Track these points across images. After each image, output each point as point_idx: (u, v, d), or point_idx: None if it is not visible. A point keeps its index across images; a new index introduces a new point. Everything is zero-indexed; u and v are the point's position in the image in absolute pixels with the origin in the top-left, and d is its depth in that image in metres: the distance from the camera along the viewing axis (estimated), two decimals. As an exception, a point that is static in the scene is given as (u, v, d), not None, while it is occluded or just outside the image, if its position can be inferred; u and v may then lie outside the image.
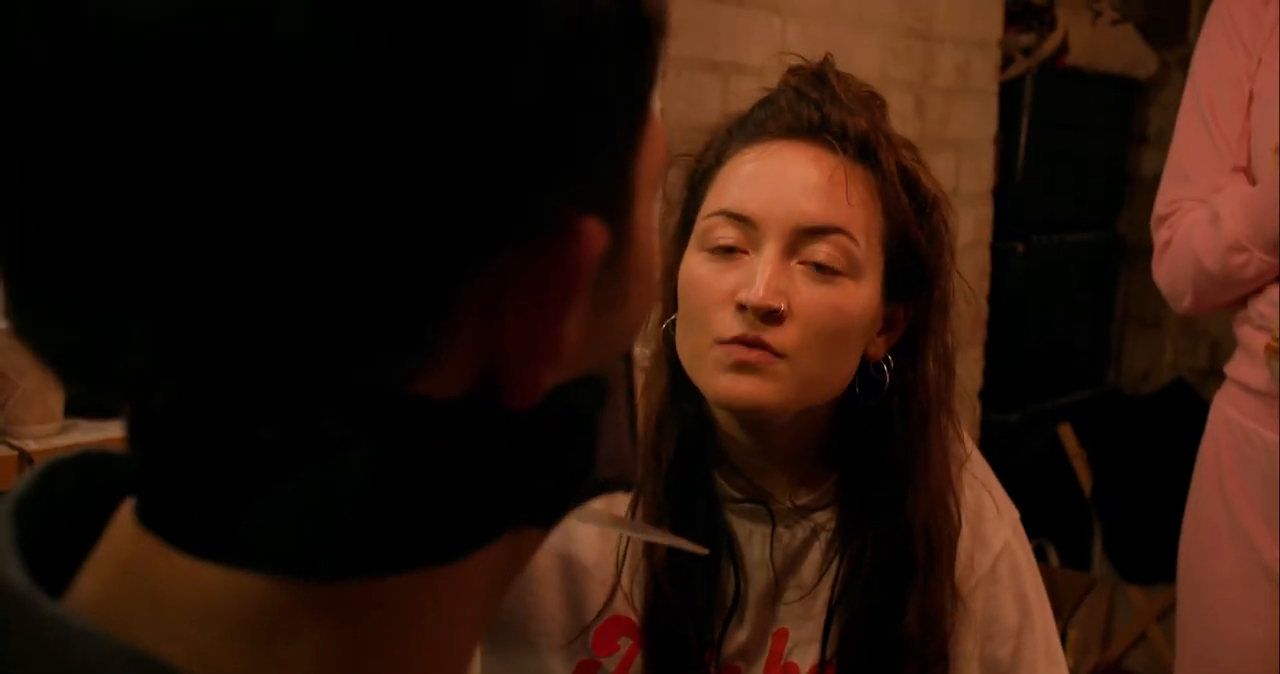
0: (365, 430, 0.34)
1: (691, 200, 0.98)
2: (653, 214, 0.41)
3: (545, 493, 0.39)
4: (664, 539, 0.85)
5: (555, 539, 0.96)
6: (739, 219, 0.92)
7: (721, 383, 0.91)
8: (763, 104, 0.98)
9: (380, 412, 0.34)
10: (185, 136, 0.29)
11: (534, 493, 0.39)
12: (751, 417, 0.94)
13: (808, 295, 0.90)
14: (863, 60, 2.13)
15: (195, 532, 0.34)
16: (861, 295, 0.93)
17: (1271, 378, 1.41)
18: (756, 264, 0.91)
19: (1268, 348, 1.41)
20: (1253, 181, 1.46)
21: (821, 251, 0.91)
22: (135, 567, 0.35)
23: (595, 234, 0.35)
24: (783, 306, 0.89)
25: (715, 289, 0.92)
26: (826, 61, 0.99)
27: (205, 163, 0.30)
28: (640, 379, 1.01)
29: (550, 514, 0.40)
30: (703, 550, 0.87)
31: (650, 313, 0.42)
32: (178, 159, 0.30)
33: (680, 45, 1.74)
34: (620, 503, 0.98)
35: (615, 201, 0.37)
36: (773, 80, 0.99)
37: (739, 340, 0.90)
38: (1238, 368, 1.52)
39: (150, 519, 0.35)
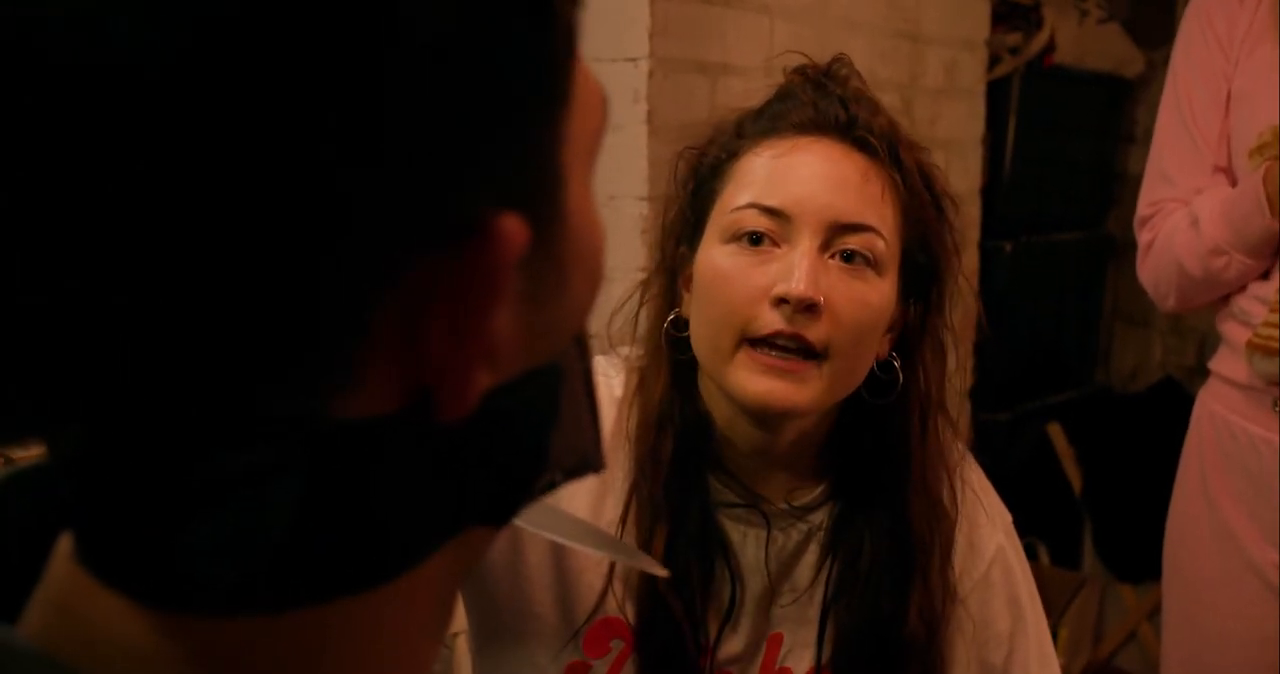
0: (293, 459, 0.33)
1: (700, 193, 0.97)
2: (589, 188, 0.39)
3: (492, 494, 0.38)
4: (620, 556, 0.84)
5: (548, 539, 0.96)
6: (772, 212, 0.92)
7: (755, 385, 0.90)
8: (781, 98, 0.98)
9: (307, 439, 0.33)
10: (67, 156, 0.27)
11: (479, 497, 0.38)
12: (781, 418, 0.93)
13: (842, 290, 0.91)
14: (851, 60, 2.13)
15: (127, 571, 0.33)
16: (886, 292, 0.93)
17: (1254, 372, 1.42)
18: (792, 257, 0.90)
19: (1249, 343, 1.42)
20: (1233, 182, 1.47)
21: (854, 247, 0.91)
22: (73, 607, 0.34)
23: (513, 231, 0.33)
24: (821, 300, 0.89)
25: (748, 283, 0.91)
26: (841, 60, 0.99)
27: (98, 185, 0.27)
28: (633, 379, 1.01)
29: (500, 515, 0.39)
30: (663, 571, 0.87)
31: (596, 295, 0.40)
32: (60, 187, 0.27)
33: (668, 46, 1.74)
34: (612, 506, 0.97)
35: (537, 189, 0.35)
36: (762, 81, 0.99)
37: (778, 335, 0.89)
38: (1222, 363, 1.52)
39: (84, 556, 0.34)
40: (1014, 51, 2.86)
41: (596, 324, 1.19)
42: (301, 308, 0.30)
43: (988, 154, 2.66)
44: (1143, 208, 1.58)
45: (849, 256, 0.91)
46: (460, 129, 0.31)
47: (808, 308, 0.88)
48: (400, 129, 0.30)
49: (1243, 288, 1.48)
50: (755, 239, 0.92)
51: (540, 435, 0.39)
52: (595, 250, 0.40)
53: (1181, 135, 1.52)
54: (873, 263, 0.92)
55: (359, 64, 0.29)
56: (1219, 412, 1.52)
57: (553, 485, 0.41)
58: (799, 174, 0.92)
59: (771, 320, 0.89)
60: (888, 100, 1.03)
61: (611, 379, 1.02)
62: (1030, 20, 2.93)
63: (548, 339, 0.38)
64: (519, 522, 0.43)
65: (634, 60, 1.71)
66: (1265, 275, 1.45)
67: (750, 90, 1.01)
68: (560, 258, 0.37)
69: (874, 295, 0.92)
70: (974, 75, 2.54)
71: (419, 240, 0.32)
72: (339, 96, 0.29)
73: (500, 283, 0.33)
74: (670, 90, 1.74)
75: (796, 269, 0.89)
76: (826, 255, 0.91)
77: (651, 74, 1.70)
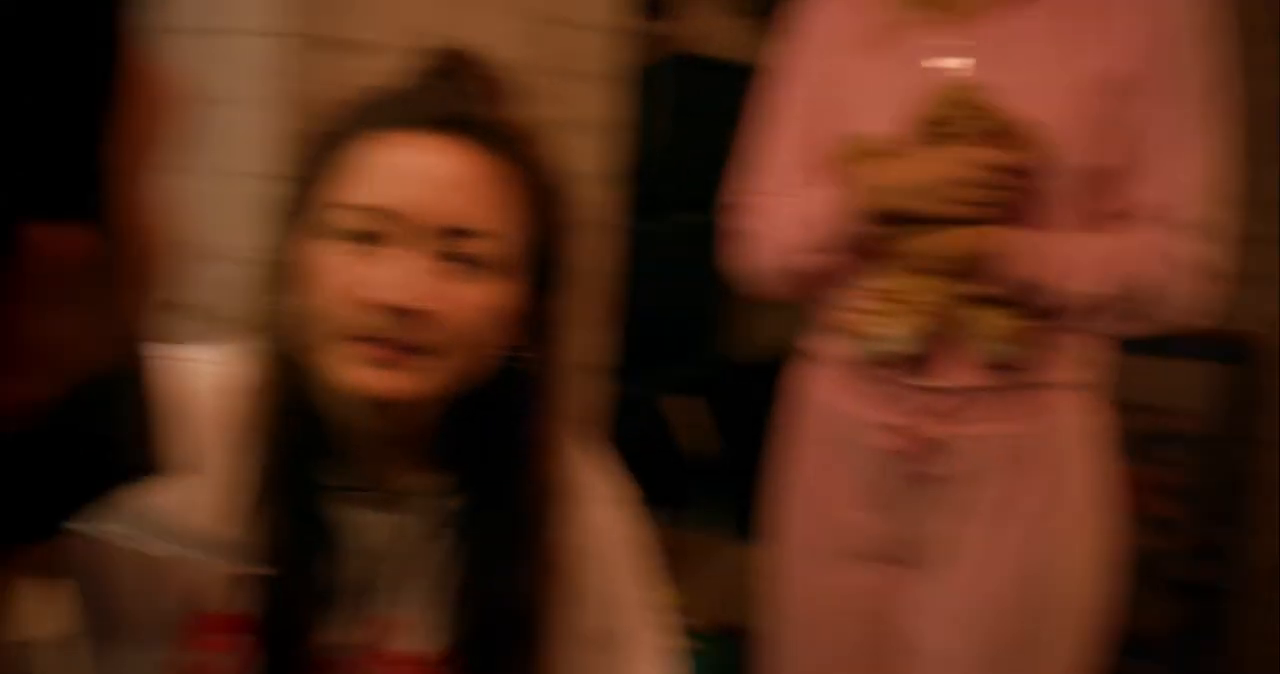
0: None
1: (314, 183, 0.95)
2: (148, 188, 0.39)
3: (42, 508, 0.38)
4: (221, 553, 0.84)
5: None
6: (381, 212, 0.90)
7: (357, 377, 0.91)
8: (404, 88, 0.97)
9: None
10: None
11: (27, 511, 0.37)
12: (388, 409, 0.94)
13: (450, 294, 0.91)
14: (497, 43, 2.13)
15: None
16: (503, 292, 0.94)
17: (850, 350, 1.53)
18: (400, 261, 0.90)
19: (844, 325, 1.53)
20: (827, 181, 1.58)
21: (467, 250, 0.92)
22: None
23: (47, 241, 0.32)
24: (423, 306, 0.89)
25: (352, 284, 0.90)
26: (462, 49, 0.99)
27: None
28: (248, 366, 0.99)
29: (48, 529, 0.39)
30: (265, 568, 0.86)
31: (157, 296, 0.40)
32: None
33: (299, 21, 1.70)
34: (225, 498, 0.95)
35: (79, 193, 0.34)
36: (397, 61, 0.98)
37: (377, 338, 0.89)
38: (811, 341, 1.65)
39: None
40: (656, 38, 2.97)
41: (219, 306, 1.16)
42: None
43: (631, 138, 2.74)
44: (738, 194, 1.67)
45: (460, 259, 0.91)
46: None
47: (410, 314, 0.89)
48: None
49: (834, 279, 1.60)
50: (363, 237, 0.91)
51: (99, 443, 0.39)
52: (152, 250, 0.39)
53: (783, 132, 1.62)
54: (485, 265, 0.92)
55: None
56: (814, 381, 1.63)
57: (113, 488, 0.40)
58: (411, 173, 0.91)
59: (373, 323, 0.90)
60: (529, 84, 1.05)
61: (219, 367, 1.00)
62: (674, 9, 3.04)
63: (103, 342, 0.38)
64: (110, 530, 0.42)
65: (262, 35, 1.66)
66: (856, 270, 1.57)
67: (384, 69, 1.00)
68: (111, 261, 0.36)
69: (485, 298, 0.93)
70: (617, 60, 2.61)
71: None
72: None
73: (37, 290, 0.33)
74: (300, 66, 1.70)
75: (399, 275, 0.89)
76: (436, 258, 0.91)
77: (281, 49, 1.66)
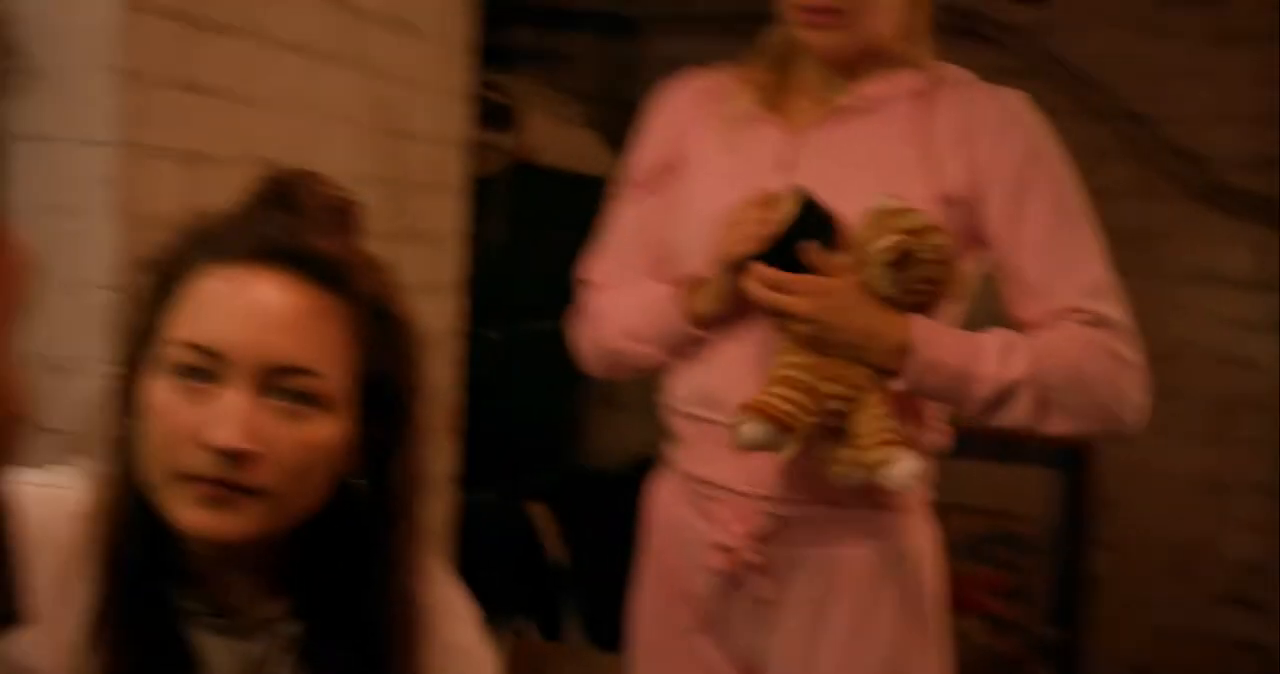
0: None
1: (153, 311, 0.94)
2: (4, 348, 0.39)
3: None
4: None
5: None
6: (206, 352, 0.90)
7: (188, 517, 0.89)
8: (230, 217, 0.96)
9: None
10: None
11: None
12: (223, 544, 0.92)
13: (279, 434, 0.90)
14: (336, 155, 2.16)
15: None
16: (333, 428, 0.93)
17: (734, 437, 1.42)
18: (225, 401, 0.89)
19: (748, 406, 1.41)
20: (664, 276, 1.58)
21: (291, 389, 0.91)
22: None
23: None
24: (252, 448, 0.88)
25: (181, 422, 0.89)
26: (298, 174, 0.98)
27: None
28: (94, 489, 0.96)
29: None
30: None
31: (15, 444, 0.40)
32: None
33: (140, 131, 1.69)
34: (73, 627, 0.92)
35: None
36: (237, 173, 0.97)
37: (206, 479, 0.88)
38: (668, 449, 1.66)
39: None
40: (496, 150, 3.02)
41: (61, 421, 1.12)
42: None
43: (473, 247, 2.77)
44: (589, 272, 1.68)
45: (288, 396, 0.91)
46: None
47: (237, 455, 0.88)
48: None
49: (677, 376, 1.59)
50: (191, 374, 0.90)
51: None
52: (7, 412, 0.40)
53: (632, 218, 1.65)
54: (315, 401, 0.92)
55: None
56: (664, 496, 1.64)
57: None
58: (237, 311, 0.91)
59: (201, 463, 0.89)
60: (372, 194, 1.05)
61: (74, 490, 0.97)
62: (512, 121, 3.11)
63: None
64: None
65: (101, 144, 1.64)
66: (697, 362, 1.54)
67: (227, 182, 0.99)
68: None
69: (316, 434, 0.92)
70: (458, 171, 2.65)
71: None
72: None
73: None
74: (141, 176, 1.68)
75: (227, 416, 0.88)
76: (266, 397, 0.90)
77: (120, 158, 1.64)
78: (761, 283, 1.43)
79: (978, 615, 3.46)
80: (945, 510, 1.63)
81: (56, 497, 0.95)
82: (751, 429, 1.39)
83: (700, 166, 1.56)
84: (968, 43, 3.54)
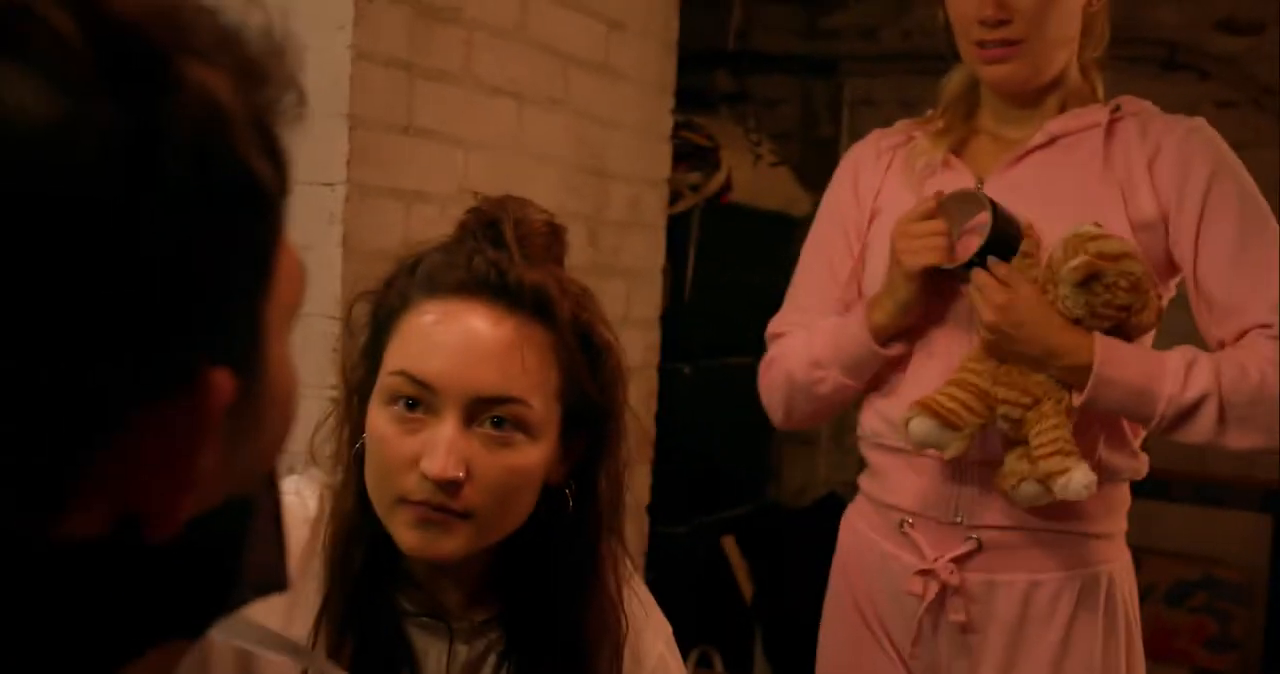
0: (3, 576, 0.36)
1: (375, 342, 1.01)
2: (286, 345, 0.46)
3: (189, 609, 0.43)
4: (309, 663, 0.87)
5: (236, 651, 0.97)
6: (419, 383, 0.96)
7: (406, 537, 0.96)
8: (442, 251, 1.01)
9: (16, 557, 0.36)
10: None
11: (177, 611, 0.42)
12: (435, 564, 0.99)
13: (487, 461, 0.95)
14: (541, 193, 2.24)
15: None
16: (538, 452, 0.98)
17: (908, 436, 1.46)
18: (436, 431, 0.95)
19: (918, 403, 1.45)
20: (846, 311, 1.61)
21: (498, 418, 0.96)
22: None
23: (223, 384, 0.39)
24: (461, 475, 0.94)
25: (399, 451, 0.96)
26: (505, 209, 1.01)
27: None
28: (327, 497, 1.04)
29: (194, 628, 0.44)
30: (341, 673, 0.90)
31: (289, 435, 0.46)
32: None
33: (364, 172, 1.80)
34: (305, 618, 0.99)
35: (245, 346, 0.41)
36: (453, 208, 1.03)
37: (424, 504, 0.94)
38: (863, 480, 1.67)
39: None
40: (694, 188, 3.08)
41: (295, 442, 1.21)
42: (29, 442, 0.35)
43: (668, 283, 2.82)
44: (773, 326, 1.70)
45: (495, 424, 0.95)
46: (187, 305, 0.37)
47: (446, 483, 0.94)
48: (138, 307, 0.36)
49: (868, 409, 1.61)
50: (408, 404, 0.96)
51: (233, 557, 0.44)
52: (289, 397, 0.46)
53: (820, 272, 1.68)
54: (520, 427, 0.96)
55: (100, 267, 0.35)
56: (859, 526, 1.64)
57: (243, 601, 0.46)
58: (446, 345, 0.96)
59: (417, 489, 0.95)
60: (574, 230, 1.09)
61: (306, 497, 1.05)
62: (709, 161, 3.16)
63: (245, 472, 0.44)
64: (212, 633, 0.47)
65: (330, 185, 1.76)
66: (886, 393, 1.58)
67: (441, 217, 1.05)
68: (259, 404, 0.43)
69: (522, 460, 0.97)
70: (656, 209, 2.71)
71: (146, 390, 0.37)
72: (96, 291, 0.34)
73: (208, 426, 0.39)
74: (365, 214, 1.80)
75: (437, 446, 0.94)
76: (474, 426, 0.95)
77: (348, 198, 1.76)
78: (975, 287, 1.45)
79: (1184, 666, 3.32)
80: (1149, 555, 1.60)
81: (291, 502, 1.03)
82: (918, 424, 1.44)
83: (893, 216, 1.58)
84: (1175, 75, 3.45)
